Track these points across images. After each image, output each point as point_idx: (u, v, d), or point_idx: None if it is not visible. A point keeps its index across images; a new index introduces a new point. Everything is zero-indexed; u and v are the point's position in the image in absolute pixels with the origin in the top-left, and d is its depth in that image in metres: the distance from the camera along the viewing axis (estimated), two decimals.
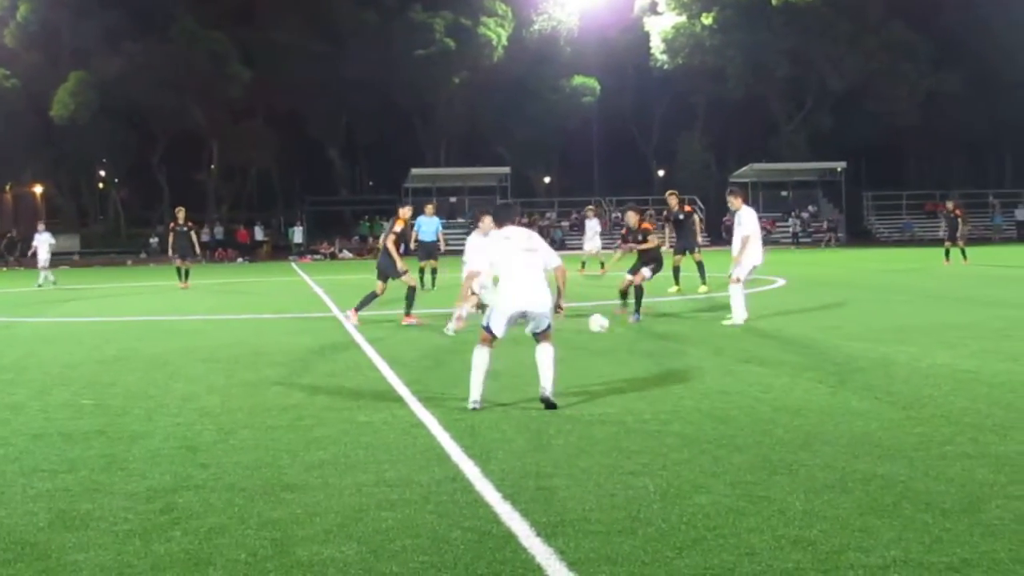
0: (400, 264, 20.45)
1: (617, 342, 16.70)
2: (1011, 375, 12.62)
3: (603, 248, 39.23)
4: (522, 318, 11.27)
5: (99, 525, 7.20)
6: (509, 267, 11.32)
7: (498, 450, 9.15)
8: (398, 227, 20.99)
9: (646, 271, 20.29)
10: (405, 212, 21.41)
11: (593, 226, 38.17)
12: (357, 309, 20.68)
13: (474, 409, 10.90)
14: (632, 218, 20.84)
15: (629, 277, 20.32)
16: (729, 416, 10.47)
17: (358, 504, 7.55)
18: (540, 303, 11.17)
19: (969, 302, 23.36)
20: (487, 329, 11.24)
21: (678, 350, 15.61)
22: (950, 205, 40.83)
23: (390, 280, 20.68)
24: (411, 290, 20.99)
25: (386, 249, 20.75)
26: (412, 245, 29.26)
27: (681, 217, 26.28)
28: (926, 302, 24.05)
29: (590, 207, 40.18)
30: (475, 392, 11.03)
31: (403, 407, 11.28)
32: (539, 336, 11.26)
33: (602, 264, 34.89)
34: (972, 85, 75.48)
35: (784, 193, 75.93)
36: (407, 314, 20.77)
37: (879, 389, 11.91)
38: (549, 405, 10.91)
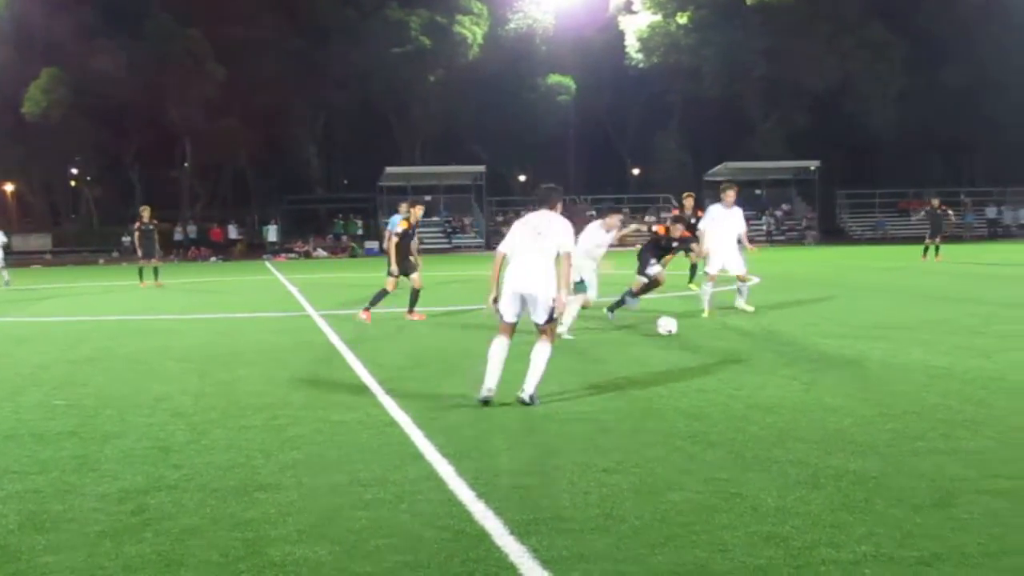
0: (393, 267, 20.49)
1: (593, 339, 16.71)
2: (982, 371, 12.70)
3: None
4: (525, 304, 11.19)
5: (70, 527, 7.17)
6: (518, 249, 11.29)
7: (472, 449, 9.14)
8: (400, 228, 20.97)
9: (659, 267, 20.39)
10: (417, 211, 21.28)
11: None
12: (410, 310, 20.89)
13: (482, 399, 10.98)
14: (677, 230, 20.78)
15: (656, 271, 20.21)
16: (704, 413, 10.49)
17: (332, 504, 7.54)
18: (535, 286, 11.04)
19: (943, 299, 23.47)
20: (500, 316, 11.29)
21: (654, 348, 15.62)
22: (935, 203, 40.99)
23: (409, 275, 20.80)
24: (415, 292, 20.97)
25: (396, 247, 20.83)
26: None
27: (694, 221, 26.21)
28: (900, 299, 24.13)
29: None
30: (486, 380, 11.06)
31: (377, 406, 11.26)
32: (539, 330, 11.18)
33: None
34: (945, 85, 75.74)
35: (758, 191, 76.05)
36: (409, 311, 20.89)
37: (853, 386, 11.97)
38: (524, 404, 10.92)
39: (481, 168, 70.32)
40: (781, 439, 9.31)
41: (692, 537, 6.66)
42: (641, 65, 76.70)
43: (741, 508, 7.25)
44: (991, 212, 76.45)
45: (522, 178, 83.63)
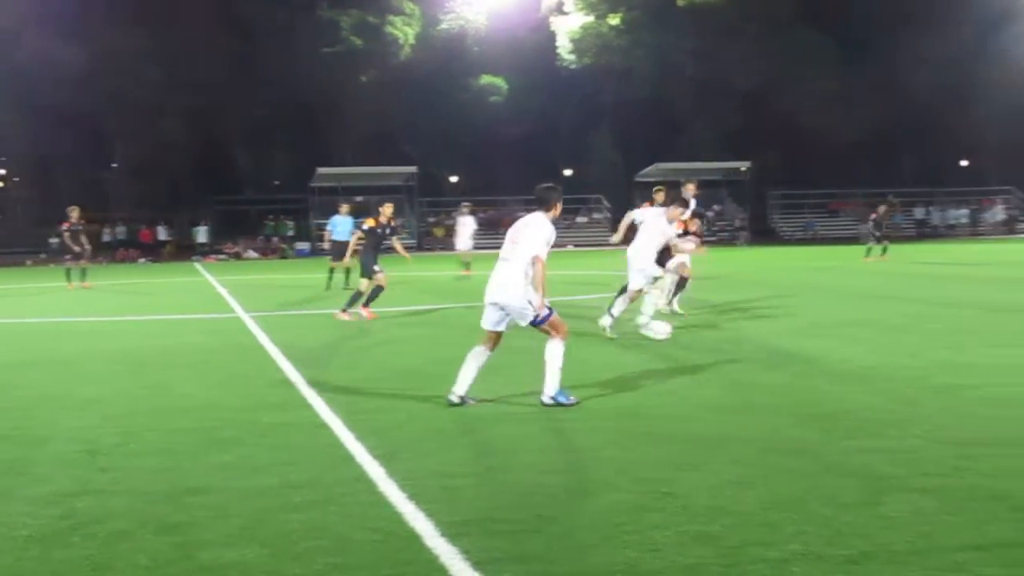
0: (347, 259, 20.47)
1: (537, 342, 16.75)
2: (909, 370, 12.89)
3: (474, 248, 38.01)
4: (501, 313, 11.07)
5: None
6: (500, 256, 11.22)
7: (404, 450, 9.12)
8: (367, 225, 21.01)
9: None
10: (386, 210, 21.28)
11: (468, 224, 37.14)
12: (365, 305, 20.73)
13: (449, 403, 10.94)
14: (693, 224, 20.83)
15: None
16: (640, 413, 10.53)
17: (262, 506, 7.50)
18: (504, 295, 10.93)
19: (874, 298, 23.73)
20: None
21: (596, 349, 15.65)
22: (881, 210, 41.78)
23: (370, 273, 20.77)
24: (378, 289, 20.89)
25: (363, 245, 20.90)
26: (326, 245, 29.09)
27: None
28: (833, 299, 24.36)
29: (465, 205, 39.22)
30: (456, 386, 11.04)
31: (308, 408, 11.21)
32: (540, 331, 11.07)
33: (467, 265, 35.00)
34: (875, 87, 76.50)
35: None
36: (344, 310, 20.72)
37: (789, 385, 12.13)
38: (544, 406, 10.88)
39: (413, 169, 70.11)
40: (717, 439, 9.37)
41: (624, 537, 6.68)
42: (573, 66, 76.88)
43: (673, 508, 7.28)
44: (920, 213, 77.46)
45: (454, 179, 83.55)
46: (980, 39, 73.89)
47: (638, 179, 67.45)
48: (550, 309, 11.02)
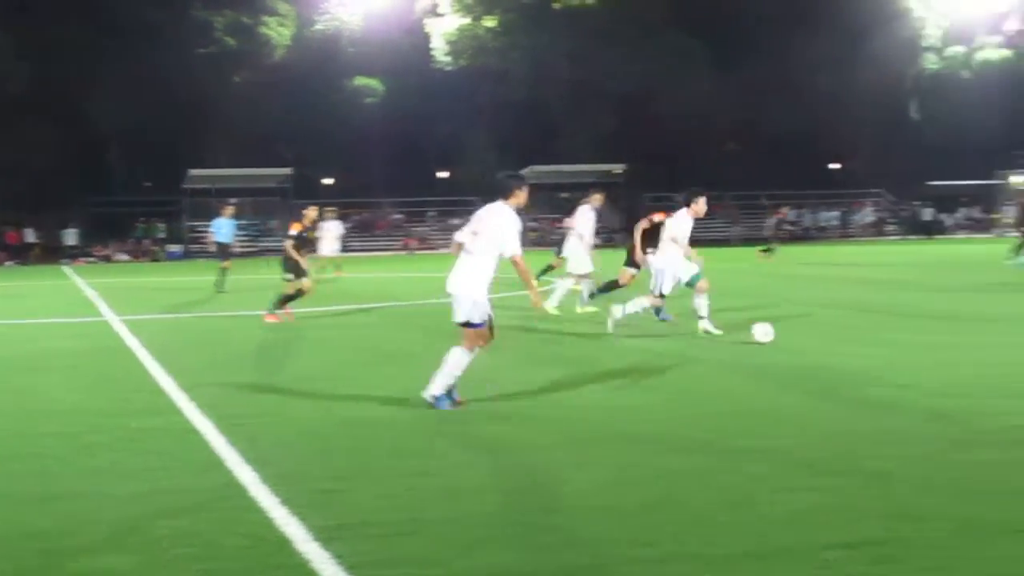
0: (303, 264, 20.76)
1: (411, 346, 16.70)
2: (792, 369, 13.18)
3: (341, 252, 37.80)
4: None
5: None
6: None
7: (276, 455, 9.03)
8: (294, 230, 21.10)
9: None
10: (311, 213, 21.68)
11: (332, 228, 36.92)
12: (282, 306, 20.66)
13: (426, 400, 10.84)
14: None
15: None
16: (521, 416, 10.56)
17: (132, 513, 7.35)
18: (455, 286, 10.78)
19: (752, 300, 23.91)
20: None
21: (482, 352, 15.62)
22: (784, 212, 43.59)
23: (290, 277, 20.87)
24: (299, 292, 20.86)
25: (295, 249, 20.98)
26: (212, 248, 28.85)
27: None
28: (717, 300, 24.58)
29: (329, 209, 38.91)
30: (432, 385, 10.89)
31: (178, 413, 11.04)
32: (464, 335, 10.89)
33: (338, 266, 35.16)
34: (748, 90, 77.49)
35: (564, 195, 76.71)
36: (272, 312, 20.60)
37: (672, 386, 12.29)
38: (428, 405, 10.78)
39: (287, 171, 69.61)
40: (598, 439, 9.42)
41: (500, 540, 6.68)
42: (449, 68, 76.92)
43: (553, 508, 7.32)
44: (792, 215, 78.67)
45: (329, 181, 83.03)
46: (852, 43, 75.28)
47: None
48: (484, 321, 10.83)
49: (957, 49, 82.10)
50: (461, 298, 10.75)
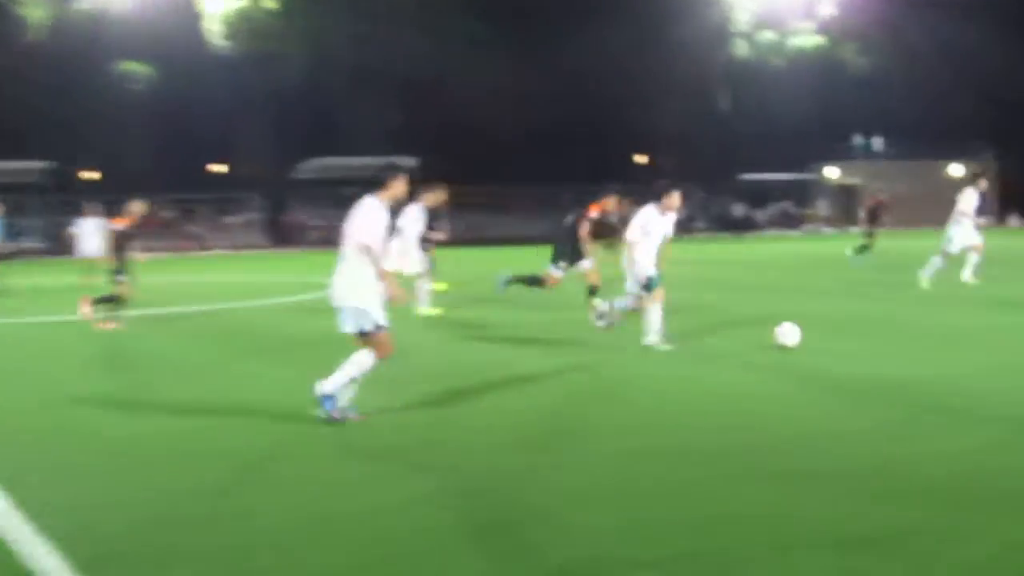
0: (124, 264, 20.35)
1: (213, 355, 15.86)
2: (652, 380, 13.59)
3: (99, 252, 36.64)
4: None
5: None
6: None
7: (34, 480, 8.70)
8: (120, 225, 20.67)
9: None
10: (140, 208, 21.01)
11: (90, 226, 35.60)
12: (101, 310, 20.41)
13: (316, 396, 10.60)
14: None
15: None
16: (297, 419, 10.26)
17: None
18: (338, 298, 10.48)
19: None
20: None
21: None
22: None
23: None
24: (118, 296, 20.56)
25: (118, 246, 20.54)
26: None
27: None
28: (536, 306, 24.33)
29: (88, 205, 37.80)
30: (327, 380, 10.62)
31: None
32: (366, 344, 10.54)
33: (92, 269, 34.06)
34: (548, 80, 77.98)
35: (349, 190, 76.05)
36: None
37: (587, 392, 12.55)
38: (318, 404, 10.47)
39: (44, 164, 67.67)
40: (486, 450, 9.50)
41: (282, 562, 6.55)
42: (224, 52, 75.61)
43: (332, 530, 7.20)
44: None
45: (94, 175, 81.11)
46: (658, 32, 76.35)
47: (296, 176, 66.81)
48: (380, 327, 10.47)
49: (769, 35, 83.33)
50: (344, 309, 10.51)
